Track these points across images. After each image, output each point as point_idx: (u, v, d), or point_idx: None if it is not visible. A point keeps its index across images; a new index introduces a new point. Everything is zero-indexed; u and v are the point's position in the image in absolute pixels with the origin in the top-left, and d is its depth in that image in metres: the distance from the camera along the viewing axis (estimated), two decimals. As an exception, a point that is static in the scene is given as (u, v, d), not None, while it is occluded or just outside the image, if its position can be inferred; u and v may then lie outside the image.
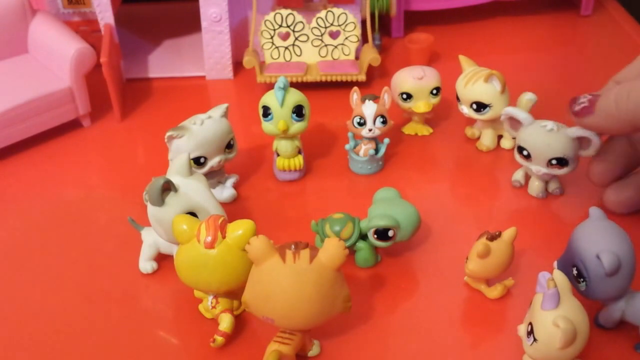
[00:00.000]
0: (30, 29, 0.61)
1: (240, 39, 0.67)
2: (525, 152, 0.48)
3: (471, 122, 0.57)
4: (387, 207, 0.43)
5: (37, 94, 0.56)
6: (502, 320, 0.41)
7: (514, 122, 0.50)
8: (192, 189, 0.41)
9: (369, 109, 0.51)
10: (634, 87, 0.40)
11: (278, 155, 0.52)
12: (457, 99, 0.56)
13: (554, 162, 0.47)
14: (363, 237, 0.44)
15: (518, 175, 0.52)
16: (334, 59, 0.66)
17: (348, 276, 0.36)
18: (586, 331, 0.34)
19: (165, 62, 0.69)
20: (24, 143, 0.57)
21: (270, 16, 0.63)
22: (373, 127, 0.52)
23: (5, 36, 0.60)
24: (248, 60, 0.63)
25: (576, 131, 0.46)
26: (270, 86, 0.52)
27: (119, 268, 0.46)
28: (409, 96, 0.56)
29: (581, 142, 0.47)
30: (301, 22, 0.63)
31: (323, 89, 0.64)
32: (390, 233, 0.42)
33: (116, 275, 0.45)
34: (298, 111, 0.49)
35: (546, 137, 0.47)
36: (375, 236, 0.43)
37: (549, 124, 0.47)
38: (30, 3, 0.60)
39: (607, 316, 0.38)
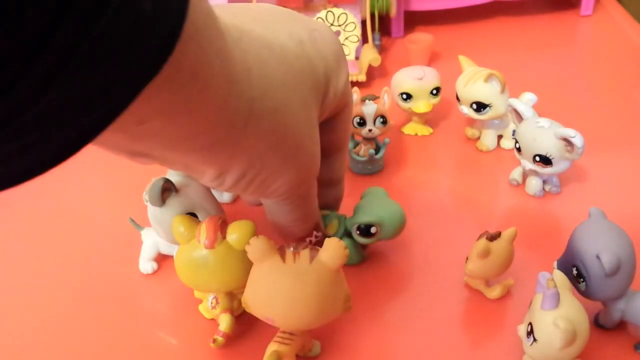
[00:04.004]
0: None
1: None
2: (517, 145, 0.49)
3: (471, 122, 0.57)
4: (371, 205, 0.43)
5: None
6: (502, 320, 0.41)
7: (518, 115, 0.50)
8: (192, 189, 0.41)
9: (369, 109, 0.51)
10: None
11: (278, 155, 0.52)
12: (457, 99, 0.56)
13: (537, 158, 0.47)
14: (349, 234, 0.44)
15: (515, 174, 0.52)
16: (334, 59, 0.65)
17: (347, 277, 0.36)
18: (586, 331, 0.34)
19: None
20: (24, 143, 0.57)
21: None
22: (373, 127, 0.52)
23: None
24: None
25: (560, 131, 0.46)
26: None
27: (119, 268, 0.46)
28: (409, 96, 0.56)
29: (568, 144, 0.46)
30: (301, 22, 0.63)
31: (323, 89, 0.63)
32: (373, 230, 0.42)
33: (116, 275, 0.45)
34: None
35: (534, 133, 0.47)
36: (358, 232, 0.43)
37: (542, 121, 0.47)
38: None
39: (607, 316, 0.38)
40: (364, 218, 0.42)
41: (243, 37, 0.29)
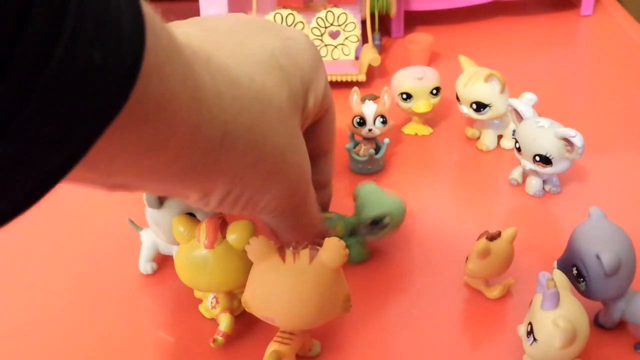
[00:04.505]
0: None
1: (240, 39, 0.67)
2: (517, 145, 0.49)
3: (471, 122, 0.57)
4: (374, 199, 0.44)
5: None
6: (502, 320, 0.41)
7: (518, 115, 0.50)
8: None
9: (369, 109, 0.51)
10: None
11: (278, 155, 0.52)
12: (457, 99, 0.56)
13: (537, 158, 0.47)
14: (352, 233, 0.44)
15: (515, 174, 0.52)
16: (333, 59, 0.66)
17: (347, 277, 0.36)
18: (586, 331, 0.34)
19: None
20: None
21: (270, 16, 0.63)
22: (373, 127, 0.52)
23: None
24: (248, 61, 0.63)
25: (560, 131, 0.46)
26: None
27: (119, 268, 0.46)
28: (409, 96, 0.56)
29: (568, 144, 0.46)
30: (301, 22, 0.64)
31: (323, 89, 0.63)
32: (387, 220, 0.43)
33: (116, 275, 0.45)
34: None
35: (534, 133, 0.47)
36: (372, 227, 0.43)
37: (542, 121, 0.47)
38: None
39: (607, 316, 0.38)
40: (374, 212, 0.43)
41: (211, 60, 0.28)
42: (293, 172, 0.34)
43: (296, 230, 0.38)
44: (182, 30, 0.30)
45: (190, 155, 0.27)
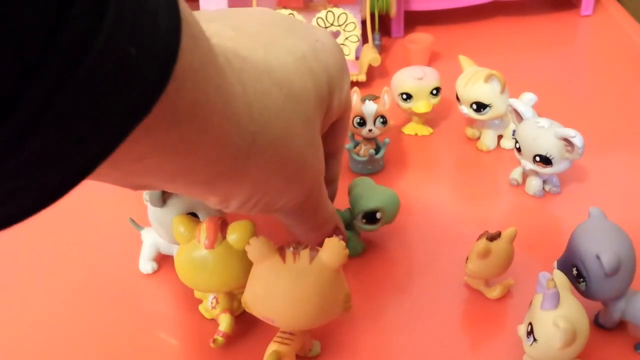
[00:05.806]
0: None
1: (240, 39, 0.67)
2: (517, 145, 0.49)
3: (471, 122, 0.57)
4: (368, 193, 0.44)
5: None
6: (502, 320, 0.41)
7: (518, 115, 0.50)
8: (192, 189, 0.41)
9: (369, 109, 0.51)
10: None
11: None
12: (457, 99, 0.55)
13: (537, 158, 0.47)
14: (347, 226, 0.44)
15: (515, 174, 0.52)
16: (334, 59, 0.65)
17: (347, 277, 0.36)
18: (586, 331, 0.34)
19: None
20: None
21: (270, 16, 0.63)
22: (373, 127, 0.52)
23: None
24: (248, 61, 0.63)
25: (560, 131, 0.46)
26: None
27: (119, 268, 0.46)
28: (409, 96, 0.56)
29: (568, 144, 0.46)
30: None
31: (323, 89, 0.63)
32: (378, 215, 0.43)
33: (116, 275, 0.45)
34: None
35: (534, 133, 0.47)
36: (364, 220, 0.43)
37: (543, 121, 0.47)
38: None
39: (607, 316, 0.38)
40: (368, 205, 0.43)
41: (244, 67, 0.28)
42: (311, 176, 0.34)
43: (311, 226, 0.38)
44: (213, 28, 0.30)
45: (218, 163, 0.27)
